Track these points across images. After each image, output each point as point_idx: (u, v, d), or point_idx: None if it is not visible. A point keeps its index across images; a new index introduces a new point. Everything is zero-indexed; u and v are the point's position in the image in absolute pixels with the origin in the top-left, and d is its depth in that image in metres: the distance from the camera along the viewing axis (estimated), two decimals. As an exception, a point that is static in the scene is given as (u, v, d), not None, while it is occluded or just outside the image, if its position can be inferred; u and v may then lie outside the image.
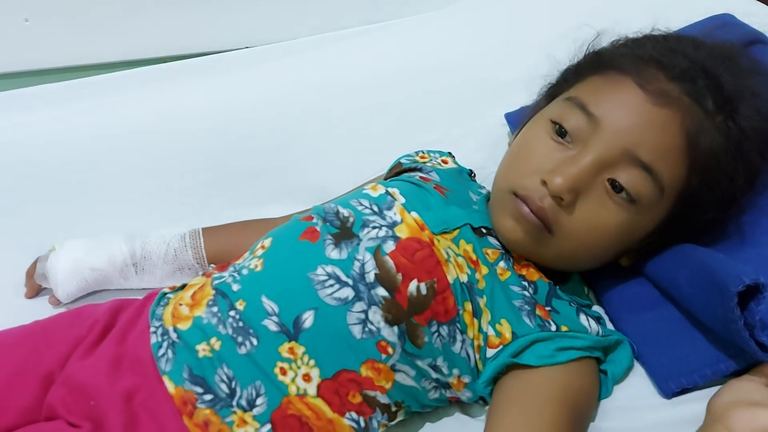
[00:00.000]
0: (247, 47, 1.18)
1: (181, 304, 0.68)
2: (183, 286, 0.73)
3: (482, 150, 0.94)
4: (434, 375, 0.65)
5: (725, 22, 0.91)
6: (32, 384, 0.66)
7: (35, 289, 0.86)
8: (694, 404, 0.61)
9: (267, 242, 0.70)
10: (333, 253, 0.65)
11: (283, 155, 1.01)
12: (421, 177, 0.78)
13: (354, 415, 0.63)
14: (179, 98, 1.06)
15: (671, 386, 0.63)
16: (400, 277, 0.63)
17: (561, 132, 0.67)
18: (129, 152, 0.99)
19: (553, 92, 0.77)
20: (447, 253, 0.66)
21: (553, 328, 0.65)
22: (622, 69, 0.67)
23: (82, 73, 1.13)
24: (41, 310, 0.83)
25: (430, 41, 1.15)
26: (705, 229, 0.70)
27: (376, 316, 0.63)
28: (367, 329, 0.62)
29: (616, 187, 0.64)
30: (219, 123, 1.03)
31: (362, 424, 0.64)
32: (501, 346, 0.64)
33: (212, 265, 0.79)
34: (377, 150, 0.97)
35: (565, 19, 0.88)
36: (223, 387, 0.62)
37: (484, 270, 0.67)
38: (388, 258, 0.64)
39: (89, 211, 0.94)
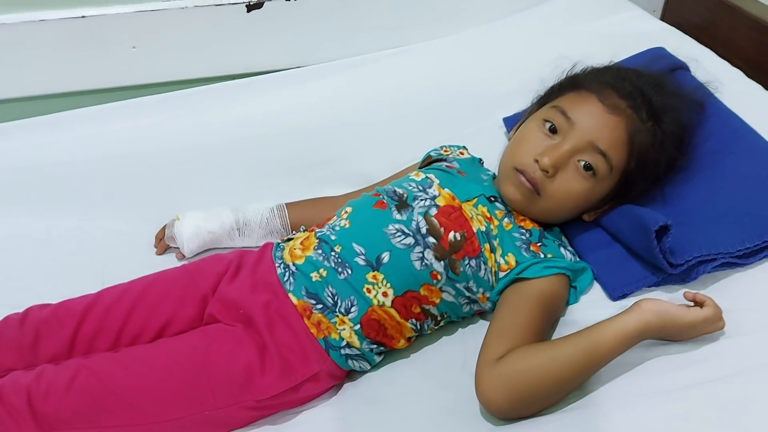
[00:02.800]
0: (299, 67, 1.43)
1: (294, 249, 0.96)
2: (289, 239, 1.01)
3: (486, 144, 1.18)
4: (467, 294, 0.92)
5: (658, 53, 1.20)
6: (194, 302, 0.95)
7: (164, 247, 1.13)
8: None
9: (349, 209, 0.98)
10: (397, 216, 0.93)
11: (338, 150, 1.27)
12: (446, 165, 1.06)
13: (414, 320, 0.91)
14: (257, 106, 1.32)
15: (617, 293, 0.93)
16: (442, 230, 0.91)
17: (549, 128, 0.95)
18: (222, 148, 1.27)
19: (541, 102, 1.05)
20: (471, 213, 0.94)
21: (542, 256, 0.94)
22: (589, 89, 0.98)
23: (177, 86, 1.37)
24: (169, 262, 1.08)
25: (445, 62, 1.40)
26: (639, 197, 0.99)
27: (429, 255, 0.90)
28: (424, 263, 0.90)
29: (584, 166, 0.93)
30: (288, 126, 1.29)
31: (418, 326, 0.92)
32: (509, 270, 0.92)
33: (302, 227, 1.06)
34: (407, 145, 1.21)
35: (548, 47, 1.15)
36: (329, 300, 0.90)
37: (495, 223, 0.95)
38: (434, 218, 0.92)
39: (195, 193, 1.21)
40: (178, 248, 1.12)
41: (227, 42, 1.42)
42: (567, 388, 0.83)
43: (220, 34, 1.41)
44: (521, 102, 1.16)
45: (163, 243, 1.14)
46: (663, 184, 1.00)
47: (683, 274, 0.91)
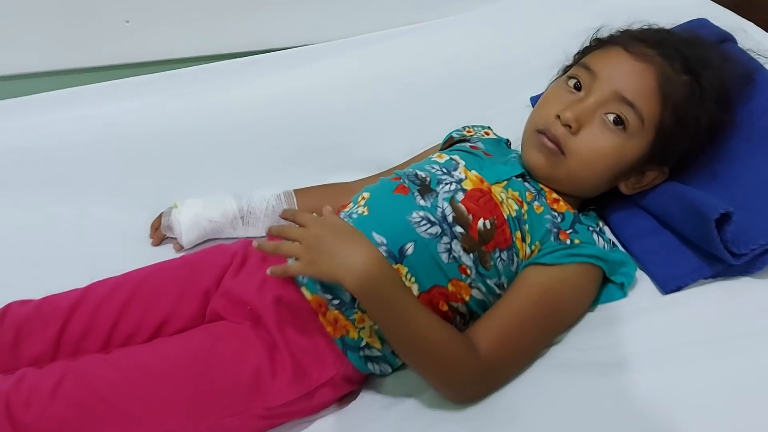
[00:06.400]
0: (306, 44, 1.35)
1: None
2: None
3: (512, 126, 1.07)
4: (498, 291, 0.84)
5: (701, 24, 1.11)
6: (195, 297, 0.87)
7: (160, 238, 1.06)
8: (685, 300, 0.84)
9: (366, 195, 0.89)
10: (421, 202, 0.84)
11: (349, 133, 1.20)
12: (471, 146, 0.98)
13: None
14: (263, 86, 1.25)
15: (670, 286, 0.84)
16: (471, 217, 0.83)
17: (573, 84, 0.89)
18: (225, 130, 1.19)
19: (567, 68, 0.99)
20: (501, 197, 0.86)
21: (569, 242, 0.85)
22: (614, 42, 0.91)
23: (174, 65, 1.29)
24: (166, 254, 1.02)
25: (466, 38, 1.33)
26: (684, 165, 0.91)
27: (457, 246, 0.82)
28: (452, 256, 0.82)
29: (613, 120, 0.85)
30: (296, 108, 1.22)
31: None
32: (530, 256, 0.84)
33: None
34: (424, 129, 1.15)
35: (574, 21, 1.07)
36: (347, 294, 0.81)
37: (525, 207, 0.87)
38: (460, 204, 0.84)
39: (195, 178, 1.14)
40: (176, 238, 1.04)
41: (229, 17, 1.35)
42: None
43: (222, 8, 1.33)
44: (549, 80, 1.05)
45: (159, 233, 1.06)
46: (709, 152, 0.91)
47: (746, 264, 0.82)
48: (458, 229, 0.83)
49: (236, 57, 1.33)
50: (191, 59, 1.35)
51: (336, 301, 0.82)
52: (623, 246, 0.92)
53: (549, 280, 0.82)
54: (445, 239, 0.82)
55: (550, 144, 0.87)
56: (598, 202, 0.95)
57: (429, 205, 0.85)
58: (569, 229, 0.87)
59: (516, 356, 0.79)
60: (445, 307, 0.83)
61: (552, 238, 0.85)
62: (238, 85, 1.27)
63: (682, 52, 0.88)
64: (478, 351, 0.76)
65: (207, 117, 1.21)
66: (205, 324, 0.86)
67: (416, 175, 0.89)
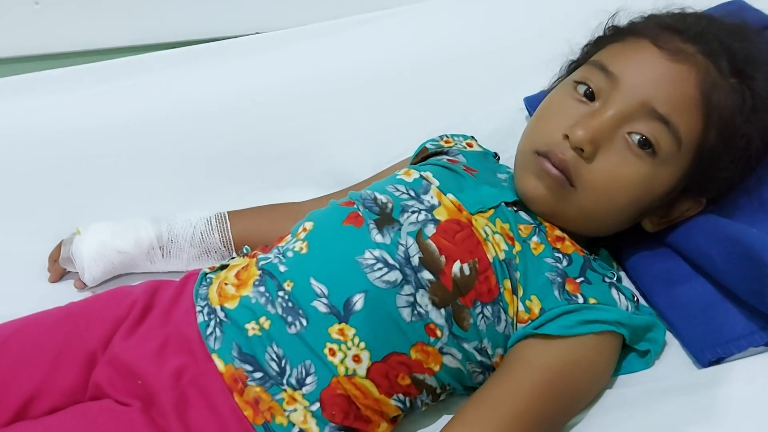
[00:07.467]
0: (258, 33, 1.18)
1: (226, 284, 0.69)
2: (223, 267, 0.74)
3: (500, 134, 0.95)
4: (479, 358, 0.66)
5: (739, 7, 0.93)
6: (75, 364, 0.68)
7: (59, 273, 0.87)
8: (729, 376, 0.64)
9: (309, 225, 0.72)
10: (378, 238, 0.67)
11: (302, 140, 1.03)
12: (448, 160, 0.81)
13: (401, 396, 0.65)
14: (196, 83, 1.06)
15: (707, 356, 0.65)
16: (443, 259, 0.66)
17: (584, 92, 0.70)
18: (147, 137, 1.00)
19: (574, 66, 0.80)
20: (485, 232, 0.68)
21: (581, 300, 0.66)
22: (639, 33, 0.72)
23: (92, 57, 1.11)
24: (66, 294, 0.85)
25: (446, 26, 1.16)
26: (725, 195, 0.73)
27: (423, 299, 0.64)
28: (416, 312, 0.64)
29: (639, 141, 0.66)
30: (236, 108, 1.04)
31: (408, 404, 0.66)
32: (529, 321, 0.66)
33: (247, 247, 0.80)
34: (396, 135, 1.00)
35: (582, 6, 0.91)
36: (273, 365, 0.63)
37: (518, 247, 0.69)
38: (430, 241, 0.66)
39: (109, 195, 0.96)
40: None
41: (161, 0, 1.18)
42: None
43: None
44: (549, 77, 0.90)
45: (57, 266, 0.87)
46: (762, 184, 0.73)
47: (814, 331, 0.63)
48: (426, 275, 0.65)
49: (170, 48, 1.15)
50: (112, 50, 1.19)
51: (258, 375, 0.63)
52: (644, 297, 0.73)
53: (558, 361, 0.64)
54: (408, 289, 0.65)
55: (554, 171, 0.68)
56: (611, 237, 0.77)
57: (388, 242, 0.67)
58: (579, 276, 0.68)
59: None
60: (407, 381, 0.65)
61: (556, 291, 0.67)
62: (168, 82, 1.07)
63: (728, 46, 0.69)
64: None
65: (127, 120, 1.02)
66: (84, 403, 0.66)
67: (375, 199, 0.71)
